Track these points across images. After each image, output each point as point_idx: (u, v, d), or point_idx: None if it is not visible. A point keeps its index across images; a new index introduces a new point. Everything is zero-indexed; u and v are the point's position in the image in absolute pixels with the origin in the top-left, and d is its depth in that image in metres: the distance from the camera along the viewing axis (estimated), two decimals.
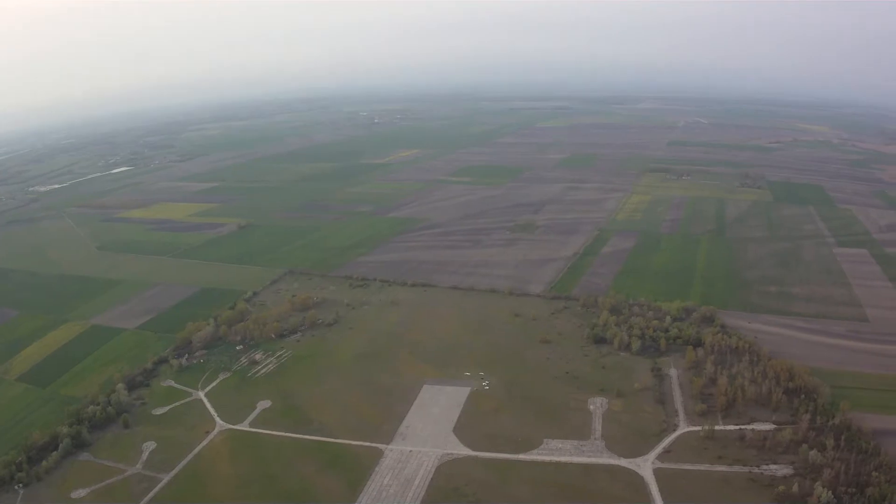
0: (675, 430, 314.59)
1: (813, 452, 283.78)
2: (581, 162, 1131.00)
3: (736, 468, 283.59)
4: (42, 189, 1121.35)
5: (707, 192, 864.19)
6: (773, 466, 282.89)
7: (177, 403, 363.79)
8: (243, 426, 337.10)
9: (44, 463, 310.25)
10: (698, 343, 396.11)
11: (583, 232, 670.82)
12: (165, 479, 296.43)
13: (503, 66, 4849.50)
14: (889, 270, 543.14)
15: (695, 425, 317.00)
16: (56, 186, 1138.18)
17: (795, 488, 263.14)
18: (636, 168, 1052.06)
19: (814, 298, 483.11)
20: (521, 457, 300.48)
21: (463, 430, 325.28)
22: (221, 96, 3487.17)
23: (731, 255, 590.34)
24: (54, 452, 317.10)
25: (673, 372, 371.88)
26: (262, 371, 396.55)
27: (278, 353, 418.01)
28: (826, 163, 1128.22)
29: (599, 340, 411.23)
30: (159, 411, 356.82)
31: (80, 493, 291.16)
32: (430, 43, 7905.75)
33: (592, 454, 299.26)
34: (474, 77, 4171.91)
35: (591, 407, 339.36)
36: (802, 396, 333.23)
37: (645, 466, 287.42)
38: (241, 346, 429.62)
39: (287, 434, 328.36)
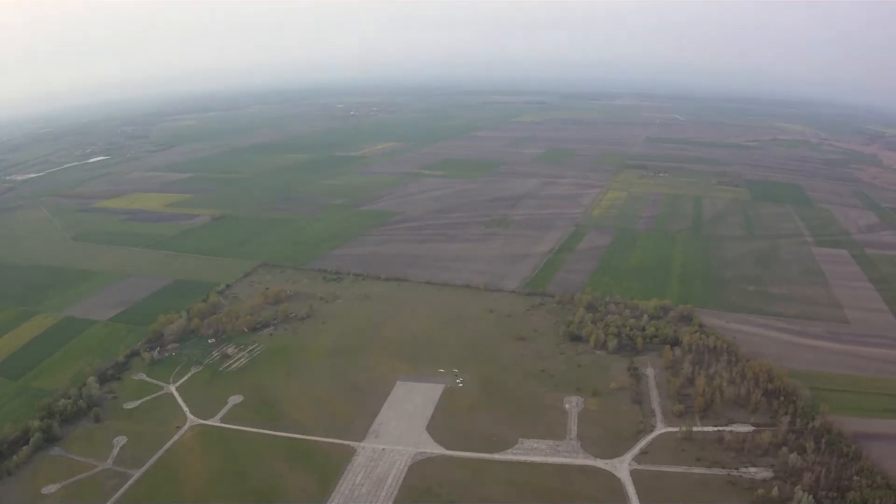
0: (652, 431, 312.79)
1: (793, 455, 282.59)
2: (557, 157, 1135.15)
3: (714, 470, 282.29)
4: (18, 178, 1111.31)
5: (684, 189, 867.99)
6: (752, 469, 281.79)
7: (148, 397, 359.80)
8: (214, 421, 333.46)
9: (14, 457, 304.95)
10: (676, 342, 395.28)
11: (559, 228, 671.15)
12: (136, 474, 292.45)
13: (479, 62, 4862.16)
14: (869, 271, 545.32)
15: (672, 426, 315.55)
16: (32, 175, 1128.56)
17: (775, 492, 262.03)
18: (613, 164, 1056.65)
19: (793, 299, 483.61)
20: (496, 456, 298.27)
21: (436, 428, 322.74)
22: (196, 88, 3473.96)
23: (709, 254, 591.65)
24: (25, 447, 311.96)
25: (650, 371, 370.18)
26: (235, 365, 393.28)
27: (251, 347, 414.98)
28: (805, 162, 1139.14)
29: (575, 338, 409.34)
30: (131, 405, 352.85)
31: (50, 488, 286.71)
32: (408, 37, 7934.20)
33: (568, 455, 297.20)
34: (450, 71, 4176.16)
35: (567, 406, 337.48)
36: (782, 398, 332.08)
37: (621, 468, 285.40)
38: (214, 340, 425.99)
39: (258, 430, 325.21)
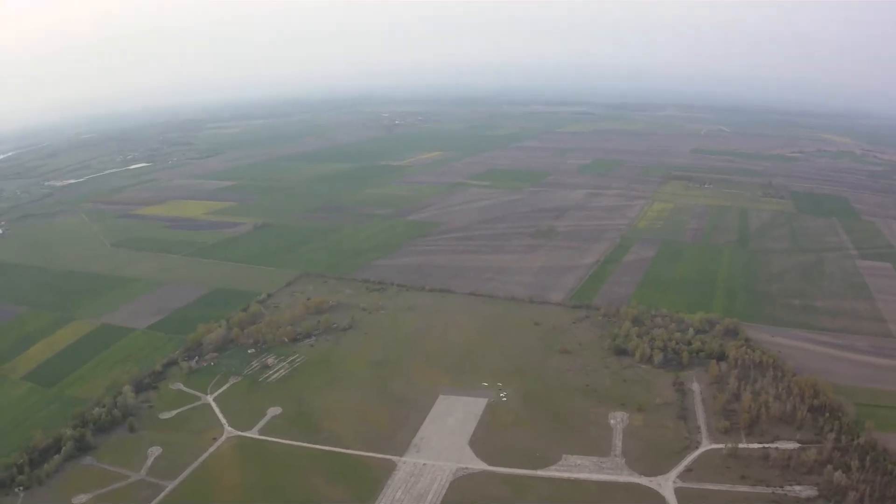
0: (697, 448, 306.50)
1: (838, 473, 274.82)
2: (603, 168, 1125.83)
3: (759, 489, 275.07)
4: (58, 183, 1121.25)
5: (730, 201, 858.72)
6: (797, 487, 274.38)
7: (185, 408, 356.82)
8: (252, 433, 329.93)
9: (46, 466, 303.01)
10: (721, 357, 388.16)
11: (604, 239, 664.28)
12: (170, 486, 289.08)
13: (523, 70, 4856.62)
14: None
15: (717, 443, 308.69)
16: (72, 181, 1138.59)
17: None
18: (658, 175, 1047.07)
19: (838, 313, 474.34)
20: (539, 473, 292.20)
21: (479, 443, 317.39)
22: (241, 96, 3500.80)
23: (754, 266, 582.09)
24: (57, 455, 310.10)
25: (695, 386, 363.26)
26: (274, 376, 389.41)
27: (291, 358, 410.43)
28: (849, 174, 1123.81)
29: (620, 352, 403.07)
30: (166, 415, 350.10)
31: (81, 498, 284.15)
32: (450, 45, 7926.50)
33: (612, 472, 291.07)
34: (495, 80, 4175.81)
35: (612, 421, 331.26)
36: (827, 414, 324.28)
37: (666, 486, 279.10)
38: (254, 350, 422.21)
39: (297, 443, 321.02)
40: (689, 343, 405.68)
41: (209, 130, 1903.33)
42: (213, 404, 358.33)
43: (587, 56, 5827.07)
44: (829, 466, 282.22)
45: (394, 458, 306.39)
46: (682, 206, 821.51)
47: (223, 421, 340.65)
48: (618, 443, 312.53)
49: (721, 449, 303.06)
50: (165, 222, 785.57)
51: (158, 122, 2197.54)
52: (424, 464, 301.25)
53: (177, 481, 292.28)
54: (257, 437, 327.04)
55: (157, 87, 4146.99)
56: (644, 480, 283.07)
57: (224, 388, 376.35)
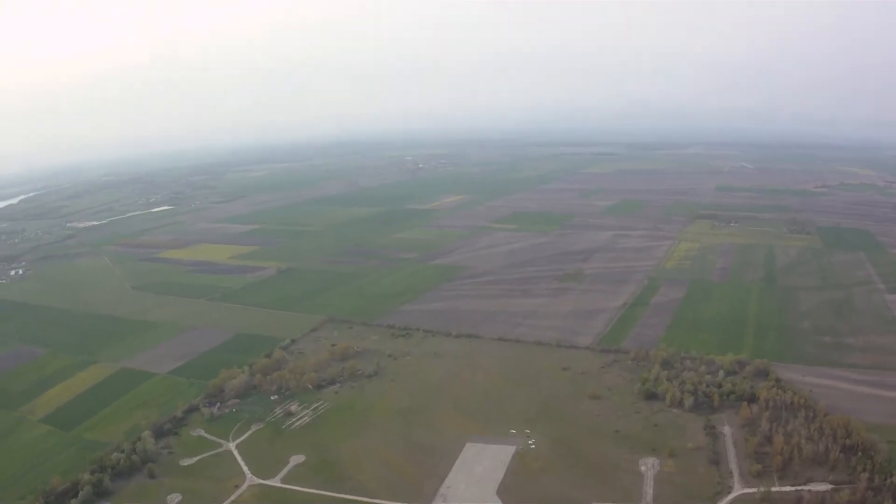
0: (729, 493, 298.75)
1: None
2: (628, 208, 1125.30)
3: None
4: (80, 225, 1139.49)
5: (756, 238, 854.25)
6: None
7: (206, 454, 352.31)
8: (274, 481, 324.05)
9: None
10: (753, 399, 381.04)
11: (632, 281, 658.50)
12: None
13: (545, 113, 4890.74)
14: None
15: (750, 487, 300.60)
16: (94, 223, 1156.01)
17: None
18: (684, 214, 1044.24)
19: (869, 349, 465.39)
20: None
21: (508, 491, 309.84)
22: (265, 140, 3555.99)
23: (783, 305, 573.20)
24: (74, 500, 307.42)
25: (727, 430, 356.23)
26: (298, 423, 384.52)
27: (315, 405, 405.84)
28: (873, 206, 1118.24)
29: (651, 396, 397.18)
30: (187, 462, 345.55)
31: None
32: (460, 93, 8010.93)
33: None
34: (518, 124, 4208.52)
35: (643, 468, 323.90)
36: (860, 454, 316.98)
37: None
38: (277, 397, 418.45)
39: (320, 492, 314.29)
40: (720, 385, 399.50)
41: (233, 174, 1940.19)
42: (235, 451, 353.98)
43: (610, 99, 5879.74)
44: None
45: None
46: (709, 245, 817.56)
47: (245, 468, 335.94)
48: (649, 489, 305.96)
49: (754, 493, 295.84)
50: (188, 266, 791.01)
51: (182, 165, 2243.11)
52: None
53: None
54: (280, 485, 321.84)
55: (182, 131, 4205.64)
56: None
57: (246, 434, 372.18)
